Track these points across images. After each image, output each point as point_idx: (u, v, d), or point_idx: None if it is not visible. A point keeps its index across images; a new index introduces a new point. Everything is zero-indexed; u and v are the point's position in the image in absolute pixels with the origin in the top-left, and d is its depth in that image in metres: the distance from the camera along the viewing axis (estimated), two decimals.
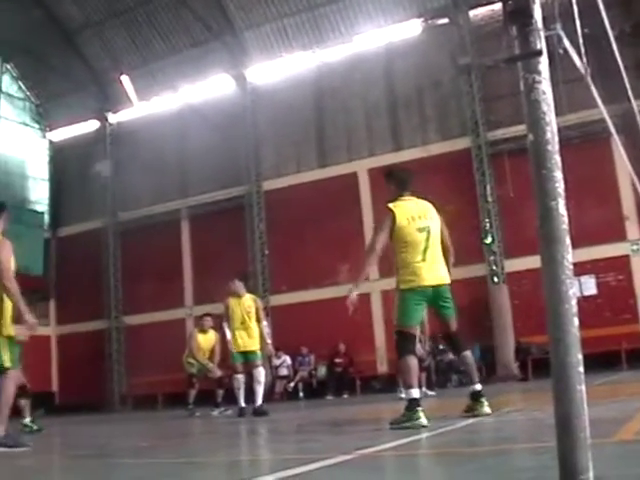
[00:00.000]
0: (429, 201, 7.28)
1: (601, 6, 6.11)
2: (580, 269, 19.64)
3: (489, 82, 21.58)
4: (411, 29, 23.63)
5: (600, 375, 14.42)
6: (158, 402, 24.62)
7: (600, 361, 17.27)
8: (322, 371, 22.59)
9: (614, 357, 19.04)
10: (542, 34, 2.51)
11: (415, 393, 6.54)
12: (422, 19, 23.43)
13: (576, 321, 2.27)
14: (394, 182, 7.33)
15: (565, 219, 2.32)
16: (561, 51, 3.34)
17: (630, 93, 8.04)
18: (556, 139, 2.42)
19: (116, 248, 27.61)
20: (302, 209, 23.39)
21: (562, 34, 3.49)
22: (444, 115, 22.89)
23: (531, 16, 2.50)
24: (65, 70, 27.38)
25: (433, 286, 6.92)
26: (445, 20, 23.06)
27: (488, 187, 21.56)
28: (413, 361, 6.80)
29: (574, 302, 2.28)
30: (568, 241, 2.31)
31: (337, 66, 24.30)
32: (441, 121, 22.92)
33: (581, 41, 4.07)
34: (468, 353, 7.28)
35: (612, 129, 5.86)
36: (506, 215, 21.18)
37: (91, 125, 29.19)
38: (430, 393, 14.81)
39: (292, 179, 24.43)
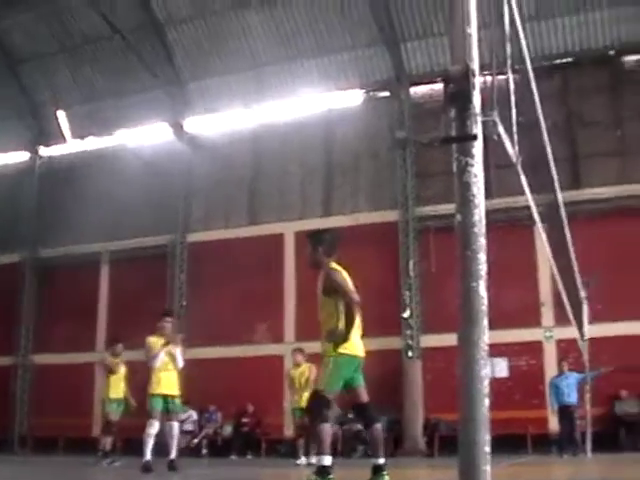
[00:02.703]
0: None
1: (536, 97, 6.34)
2: (494, 351, 19.86)
3: (423, 158, 21.96)
4: (353, 98, 24.02)
5: (505, 457, 14.55)
6: (58, 446, 23.86)
7: (506, 444, 17.43)
8: (228, 430, 22.26)
9: (520, 440, 19.23)
10: (479, 119, 2.58)
11: (327, 460, 6.48)
12: (364, 89, 23.84)
13: (487, 401, 2.31)
14: (325, 244, 7.25)
15: (485, 301, 2.37)
16: (495, 137, 3.44)
17: (556, 184, 8.29)
18: (483, 222, 2.47)
19: (32, 284, 26.98)
20: (226, 264, 23.27)
21: (498, 121, 3.61)
22: (376, 186, 23.16)
23: (470, 101, 2.57)
24: (2, 97, 27.03)
25: (361, 357, 6.93)
26: (386, 93, 23.52)
27: (411, 262, 21.80)
28: (328, 428, 6.73)
29: (486, 383, 2.32)
30: (485, 322, 2.35)
31: (277, 127, 24.48)
32: (373, 192, 23.17)
33: (515, 130, 4.21)
34: (379, 426, 7.22)
35: (536, 217, 6.02)
36: (427, 291, 21.41)
37: (22, 156, 28.73)
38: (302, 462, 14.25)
39: (219, 233, 24.33)
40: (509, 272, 18.85)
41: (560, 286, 10.99)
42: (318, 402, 6.77)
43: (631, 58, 21.96)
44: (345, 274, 7.03)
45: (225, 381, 21.82)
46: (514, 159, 4.68)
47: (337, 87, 24.04)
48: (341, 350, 6.75)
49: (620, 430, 19.07)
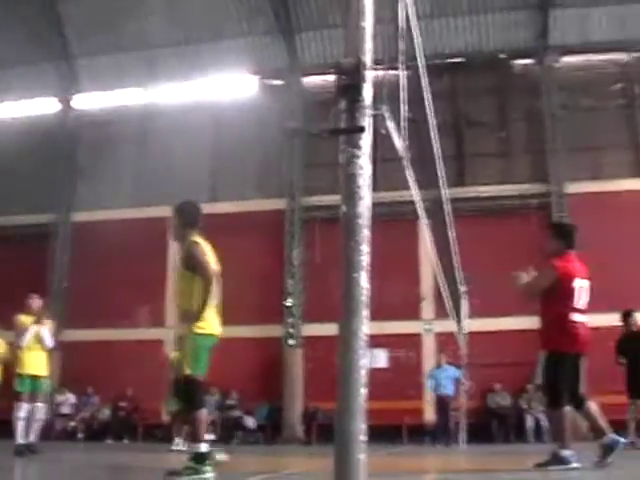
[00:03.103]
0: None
1: (427, 94, 6.45)
2: (374, 341, 20.14)
3: (312, 149, 22.07)
4: (246, 85, 23.91)
5: (381, 447, 14.80)
6: None
7: (383, 433, 17.74)
8: (105, 413, 21.90)
9: (396, 431, 19.59)
10: (368, 112, 2.61)
11: (204, 447, 6.34)
12: (258, 77, 23.76)
13: (363, 391, 2.34)
14: (185, 215, 7.09)
15: (366, 292, 2.40)
16: (383, 131, 3.48)
17: (442, 181, 8.46)
18: (368, 214, 2.50)
19: None
20: (110, 246, 22.75)
21: (387, 115, 3.65)
22: (265, 174, 23.15)
23: (360, 93, 2.59)
24: None
25: (217, 336, 6.73)
26: (280, 82, 23.52)
27: (296, 250, 21.91)
28: (204, 414, 6.56)
29: (364, 373, 2.35)
30: (366, 313, 2.38)
31: (167, 109, 24.14)
32: (261, 180, 23.16)
33: (404, 125, 4.27)
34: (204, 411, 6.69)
35: (420, 212, 6.12)
36: (310, 280, 21.55)
37: None
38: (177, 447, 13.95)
39: (104, 214, 23.83)
40: (392, 265, 19.08)
41: (440, 280, 11.23)
42: (190, 387, 6.52)
43: (520, 62, 22.62)
44: (207, 249, 6.81)
45: (105, 364, 21.40)
46: (402, 153, 4.74)
47: (231, 73, 23.87)
48: (198, 330, 6.46)
49: (492, 422, 19.69)
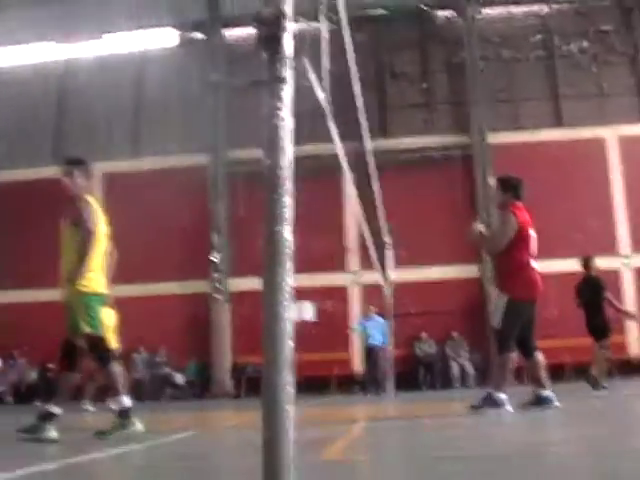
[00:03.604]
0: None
1: (349, 47, 6.42)
2: (301, 294, 20.33)
3: (235, 103, 21.82)
4: (167, 38, 23.48)
5: (311, 398, 14.97)
6: None
7: (313, 385, 17.98)
8: (33, 375, 21.57)
9: (326, 382, 19.81)
10: (289, 63, 2.58)
11: (127, 401, 6.31)
12: (178, 30, 23.35)
13: (290, 343, 2.35)
14: (81, 169, 6.90)
15: (289, 244, 2.39)
16: (306, 83, 3.46)
17: (365, 134, 8.47)
18: (290, 166, 2.49)
19: None
20: (32, 207, 22.24)
21: (308, 67, 3.63)
22: (188, 129, 22.79)
23: (280, 44, 2.57)
24: None
25: (105, 295, 6.65)
26: (201, 35, 23.15)
27: (220, 205, 21.73)
28: (117, 368, 6.49)
29: (289, 324, 2.36)
30: (290, 265, 2.38)
31: (85, 64, 23.58)
32: (184, 135, 22.80)
33: (326, 77, 4.25)
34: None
35: (344, 165, 6.12)
36: (236, 235, 21.43)
37: None
38: (90, 408, 13.82)
39: (22, 174, 23.22)
40: (317, 218, 19.16)
41: (365, 232, 11.31)
42: (97, 346, 6.43)
43: (442, 14, 22.67)
44: (98, 210, 6.65)
45: (30, 326, 21.02)
46: (324, 105, 4.73)
47: (150, 26, 23.37)
48: (83, 288, 6.35)
49: (419, 370, 20.05)
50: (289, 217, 2.41)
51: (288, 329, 2.35)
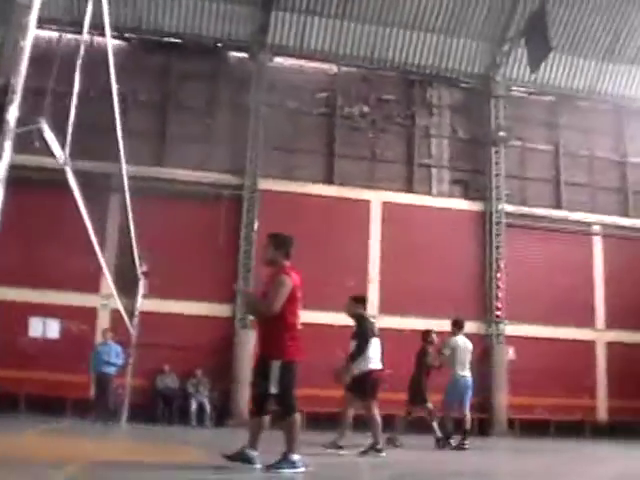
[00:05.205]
0: None
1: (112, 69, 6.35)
2: (49, 311, 19.63)
3: None
4: None
5: (45, 420, 14.50)
6: None
7: (48, 407, 17.42)
8: None
9: (62, 403, 19.00)
10: (10, 135, 2.53)
11: None
12: None
13: None
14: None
15: None
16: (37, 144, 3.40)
17: (122, 158, 8.37)
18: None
19: None
20: None
21: (45, 127, 3.56)
22: None
23: (4, 115, 2.53)
24: None
25: None
26: None
27: None
28: None
29: None
30: None
31: None
32: None
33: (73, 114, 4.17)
34: None
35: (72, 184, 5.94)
36: None
37: None
38: None
39: None
40: (74, 237, 18.53)
41: (111, 258, 11.10)
42: None
43: (236, 55, 22.93)
44: None
45: None
46: (61, 162, 4.62)
47: None
48: None
49: (159, 403, 19.77)
50: None
51: None
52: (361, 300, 11.58)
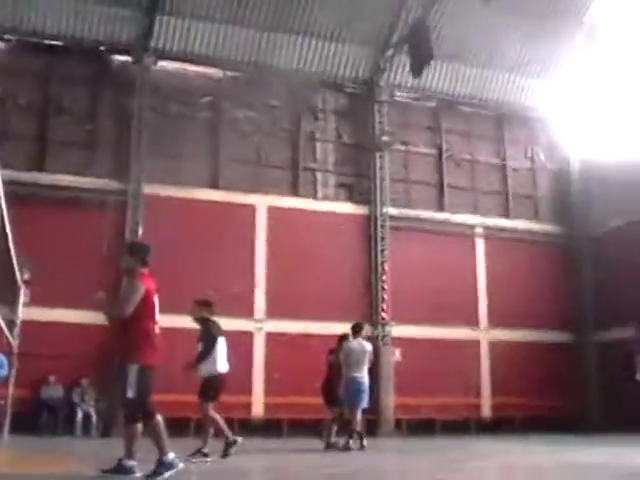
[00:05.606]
0: None
1: None
2: None
3: None
4: None
5: None
6: None
7: None
8: None
9: None
10: None
11: None
12: None
13: None
14: None
15: None
16: None
17: None
18: None
19: None
20: None
21: None
22: None
23: None
24: None
25: None
26: None
27: None
28: None
29: None
30: None
31: None
32: None
33: None
34: None
35: None
36: None
37: None
38: None
39: None
40: None
41: None
42: None
43: (119, 58, 22.64)
44: None
45: None
46: None
47: None
48: None
49: (43, 413, 19.35)
50: None
51: None
52: (204, 303, 11.65)
